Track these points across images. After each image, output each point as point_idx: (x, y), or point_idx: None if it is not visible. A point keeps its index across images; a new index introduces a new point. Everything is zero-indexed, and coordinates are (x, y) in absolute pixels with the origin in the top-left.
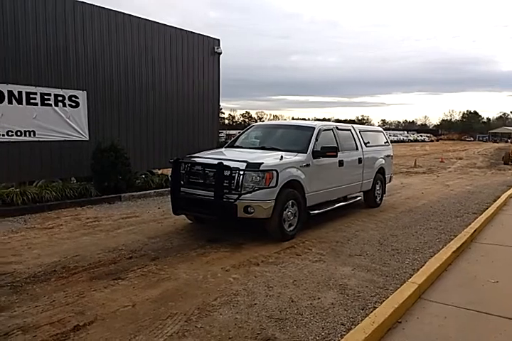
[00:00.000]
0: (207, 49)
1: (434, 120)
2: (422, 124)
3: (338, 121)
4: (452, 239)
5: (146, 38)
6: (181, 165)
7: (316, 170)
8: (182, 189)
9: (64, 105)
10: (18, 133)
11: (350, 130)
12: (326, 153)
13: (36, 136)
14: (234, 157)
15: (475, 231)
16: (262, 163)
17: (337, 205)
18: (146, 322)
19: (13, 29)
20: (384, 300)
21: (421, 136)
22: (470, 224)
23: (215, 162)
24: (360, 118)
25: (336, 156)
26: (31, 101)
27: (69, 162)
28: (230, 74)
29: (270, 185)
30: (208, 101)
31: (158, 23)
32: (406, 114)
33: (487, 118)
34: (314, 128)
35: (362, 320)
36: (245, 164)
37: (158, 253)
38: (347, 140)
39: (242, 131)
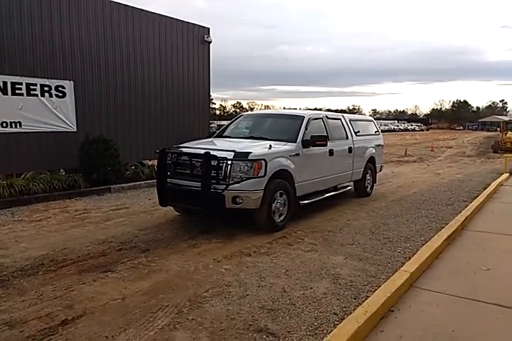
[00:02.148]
0: (197, 37)
1: (424, 109)
2: (412, 114)
3: (329, 110)
4: (443, 227)
5: (135, 26)
6: (168, 155)
7: (306, 159)
8: (169, 180)
9: (50, 95)
10: (4, 125)
11: (340, 119)
12: (315, 142)
13: (22, 127)
14: (222, 147)
15: (466, 218)
16: (251, 152)
17: (327, 195)
18: (136, 315)
19: None
20: (376, 289)
21: (411, 125)
22: (461, 212)
23: (202, 152)
24: (351, 108)
25: (325, 145)
26: (17, 91)
27: (57, 153)
28: (219, 65)
29: (259, 175)
30: (198, 91)
31: (147, 11)
32: (397, 104)
33: (477, 108)
34: (304, 117)
35: (354, 310)
36: (233, 153)
37: (149, 245)
38: (337, 129)
39: (231, 121)
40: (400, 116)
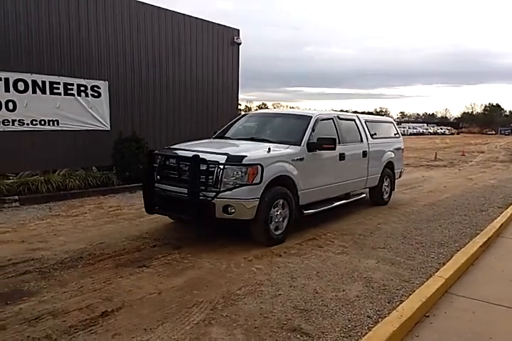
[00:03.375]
0: (227, 39)
1: (454, 113)
2: (442, 117)
3: (355, 113)
4: (478, 234)
5: (167, 28)
6: (156, 157)
7: (312, 164)
8: (157, 184)
9: (86, 95)
10: (42, 123)
11: (354, 120)
12: (322, 146)
13: (60, 125)
14: (216, 149)
15: (501, 225)
16: (245, 156)
17: (337, 204)
18: (172, 310)
19: (37, 21)
20: (410, 294)
21: (441, 128)
22: (495, 218)
23: (191, 154)
24: (378, 110)
25: (334, 149)
26: (55, 90)
27: (91, 151)
28: (244, 65)
29: (254, 182)
30: (227, 92)
31: (178, 12)
32: (426, 107)
33: (510, 112)
34: (311, 117)
35: (389, 313)
36: (226, 157)
37: (181, 242)
38: (350, 131)
39: (234, 120)
40: (429, 119)
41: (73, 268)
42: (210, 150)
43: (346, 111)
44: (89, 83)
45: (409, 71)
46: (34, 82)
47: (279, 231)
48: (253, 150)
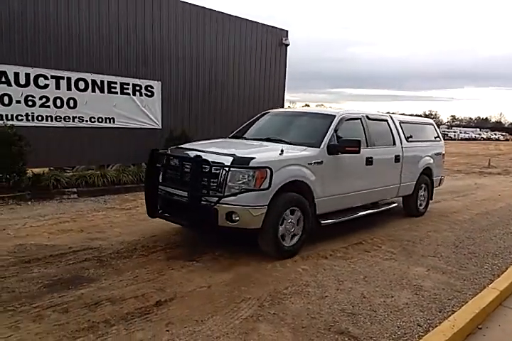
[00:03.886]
0: (275, 40)
1: (510, 117)
2: (496, 122)
3: (402, 115)
4: None
5: (218, 29)
6: (158, 157)
7: (332, 169)
8: (160, 186)
9: (140, 94)
10: (100, 120)
11: (386, 120)
12: (345, 148)
13: (115, 122)
14: (224, 149)
15: None
16: (254, 157)
17: (361, 214)
18: (221, 304)
19: (97, 25)
20: (463, 305)
21: (495, 134)
22: None
23: (195, 154)
24: (427, 113)
25: (358, 152)
26: (112, 90)
27: (142, 148)
28: (288, 66)
29: (262, 187)
30: (274, 93)
31: (227, 14)
32: (478, 110)
33: None
34: (334, 116)
35: (440, 323)
36: (232, 159)
37: (228, 239)
38: (381, 133)
39: (253, 119)
40: (482, 123)
41: (128, 259)
42: (218, 150)
43: (393, 114)
44: (143, 83)
45: (460, 73)
46: (93, 82)
47: (291, 243)
48: (264, 152)
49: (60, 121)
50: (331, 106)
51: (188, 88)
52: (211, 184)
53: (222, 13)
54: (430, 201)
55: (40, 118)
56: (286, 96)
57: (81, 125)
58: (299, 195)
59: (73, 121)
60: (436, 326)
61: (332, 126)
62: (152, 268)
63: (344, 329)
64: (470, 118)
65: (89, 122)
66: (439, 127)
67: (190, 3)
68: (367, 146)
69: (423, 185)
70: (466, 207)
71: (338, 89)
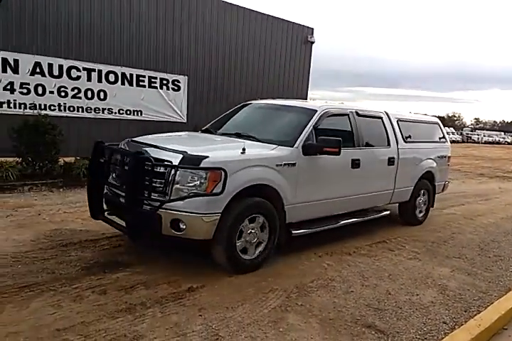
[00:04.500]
0: (300, 37)
1: None
2: None
3: (427, 115)
4: None
5: (244, 25)
6: (103, 150)
7: (308, 172)
8: (106, 185)
9: (167, 88)
10: (128, 112)
11: (380, 118)
12: (323, 149)
13: (142, 115)
14: (179, 145)
15: None
16: (206, 156)
17: (343, 222)
18: (249, 293)
19: (128, 21)
20: (488, 305)
21: None
22: None
23: (143, 150)
24: (450, 114)
25: (338, 153)
26: (140, 83)
27: None
28: (312, 64)
29: (213, 191)
30: (297, 90)
31: (253, 10)
32: (503, 114)
33: None
34: (315, 111)
35: (466, 322)
36: (181, 157)
37: None
38: (373, 132)
39: (229, 111)
40: (507, 127)
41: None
42: (171, 146)
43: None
44: (170, 77)
45: (486, 74)
46: (123, 75)
47: (252, 256)
48: (221, 150)
49: (90, 112)
50: (327, 101)
51: (213, 83)
52: (156, 185)
53: (250, 10)
54: (431, 208)
55: (71, 108)
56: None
57: (110, 116)
58: (264, 201)
59: (103, 112)
60: (462, 324)
61: (311, 123)
62: (184, 256)
63: (371, 323)
64: (494, 121)
65: (117, 114)
66: (462, 129)
67: (222, 1)
68: (354, 147)
69: (423, 191)
70: (490, 210)
71: (358, 87)
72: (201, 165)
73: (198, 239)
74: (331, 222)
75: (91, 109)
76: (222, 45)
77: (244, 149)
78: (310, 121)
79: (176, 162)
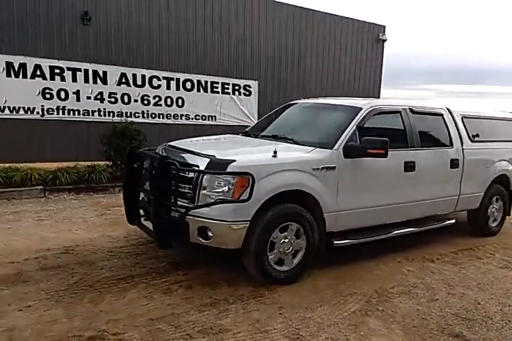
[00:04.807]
0: (371, 36)
1: None
2: None
3: None
4: None
5: (313, 27)
6: (137, 156)
7: (352, 176)
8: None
9: (239, 94)
10: (203, 118)
11: (441, 115)
12: (366, 150)
13: (217, 120)
14: (209, 149)
15: None
16: (233, 160)
17: (396, 232)
18: (328, 295)
19: (202, 31)
20: None
21: None
22: None
23: (176, 154)
24: None
25: (384, 156)
26: (214, 89)
27: None
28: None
29: (241, 198)
30: (368, 89)
31: (322, 12)
32: None
33: None
34: (360, 109)
35: None
36: (208, 161)
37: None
38: (432, 130)
39: (271, 112)
40: None
41: None
42: (201, 150)
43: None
44: (242, 83)
45: None
46: (199, 82)
47: (285, 267)
48: (251, 154)
49: (169, 118)
50: (377, 99)
51: (283, 86)
52: (184, 191)
53: (318, 11)
54: (507, 216)
55: (153, 115)
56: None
57: (187, 122)
58: (299, 208)
59: (181, 118)
60: None
61: (354, 122)
62: None
63: (458, 333)
64: None
65: (194, 120)
66: None
67: (287, 4)
68: (407, 147)
69: (495, 197)
70: None
71: (436, 85)
72: (228, 170)
73: (226, 248)
74: (382, 232)
75: (170, 115)
76: (291, 47)
77: (275, 152)
78: (353, 120)
79: (202, 166)
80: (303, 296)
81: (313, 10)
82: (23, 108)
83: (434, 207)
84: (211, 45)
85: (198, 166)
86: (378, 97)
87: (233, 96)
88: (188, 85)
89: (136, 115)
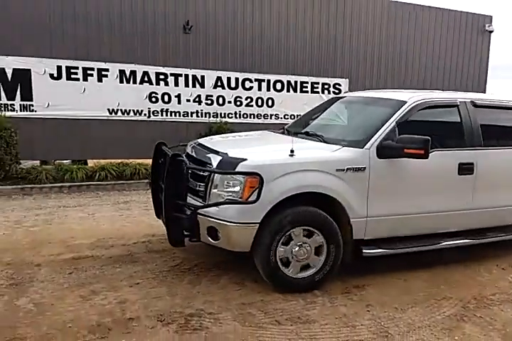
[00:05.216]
0: (475, 28)
1: None
2: None
3: None
4: None
5: (410, 22)
6: (161, 152)
7: (387, 178)
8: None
9: (329, 92)
10: (292, 117)
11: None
12: (403, 150)
13: None
14: (230, 146)
15: None
16: (244, 159)
17: (446, 243)
18: (420, 297)
19: (294, 37)
20: None
21: None
22: None
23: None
24: None
25: (424, 156)
26: (303, 89)
27: None
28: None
29: (250, 199)
30: (472, 86)
31: (419, 5)
32: None
33: None
34: (404, 103)
35: None
36: (219, 159)
37: None
38: (500, 127)
39: (314, 107)
40: None
41: None
42: (219, 149)
43: None
44: (331, 81)
45: None
46: (288, 83)
47: (303, 274)
48: (265, 152)
49: (260, 118)
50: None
51: (376, 84)
52: (199, 189)
53: (414, 4)
54: None
55: (245, 115)
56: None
57: (276, 121)
58: (314, 211)
59: (270, 118)
60: None
61: (393, 118)
62: None
63: None
64: None
65: (282, 119)
66: None
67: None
68: (465, 147)
69: None
70: None
71: None
72: (237, 169)
73: (234, 251)
74: (428, 243)
75: (261, 115)
76: (385, 43)
77: (292, 151)
78: (393, 116)
79: (213, 165)
80: (393, 296)
81: (409, 3)
82: (133, 110)
83: (499, 217)
84: (301, 45)
85: (211, 164)
86: (484, 91)
87: (322, 95)
88: (278, 86)
89: (230, 115)
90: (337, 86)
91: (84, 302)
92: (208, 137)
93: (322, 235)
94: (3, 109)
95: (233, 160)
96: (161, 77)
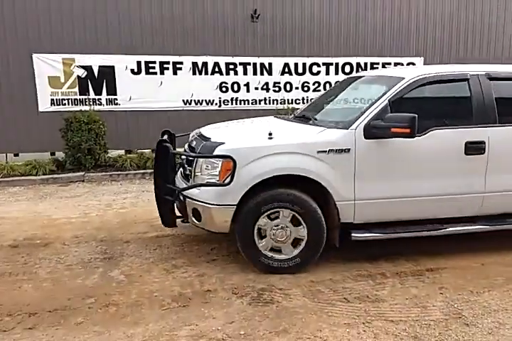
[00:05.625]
0: None
1: None
2: None
3: None
4: None
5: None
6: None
7: (377, 159)
8: None
9: None
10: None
11: None
12: (390, 130)
13: None
14: (220, 133)
15: None
16: (222, 143)
17: (450, 230)
18: (498, 282)
19: (363, 15)
20: None
21: None
22: None
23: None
24: None
25: (410, 136)
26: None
27: None
28: None
29: (224, 182)
30: None
31: None
32: None
33: None
34: (401, 79)
35: None
36: (202, 144)
37: None
38: None
39: (327, 90)
40: None
41: None
42: (207, 134)
43: None
44: (404, 61)
45: None
46: (358, 64)
47: (283, 256)
48: (246, 136)
49: None
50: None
51: (452, 61)
52: (187, 173)
53: None
54: None
55: (312, 100)
56: None
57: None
58: (290, 193)
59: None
60: None
61: (386, 96)
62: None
63: None
64: None
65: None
66: None
67: None
68: (474, 124)
69: None
70: None
71: None
72: (214, 153)
73: (214, 232)
74: (428, 228)
75: None
76: (464, 19)
77: (270, 134)
78: (386, 94)
79: (198, 150)
80: (468, 280)
81: None
82: (205, 100)
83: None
84: (372, 25)
85: (194, 148)
86: None
87: None
88: (347, 69)
89: (297, 101)
90: (411, 65)
91: (168, 275)
92: (212, 125)
93: (301, 217)
94: (92, 103)
95: (213, 145)
96: (231, 66)
